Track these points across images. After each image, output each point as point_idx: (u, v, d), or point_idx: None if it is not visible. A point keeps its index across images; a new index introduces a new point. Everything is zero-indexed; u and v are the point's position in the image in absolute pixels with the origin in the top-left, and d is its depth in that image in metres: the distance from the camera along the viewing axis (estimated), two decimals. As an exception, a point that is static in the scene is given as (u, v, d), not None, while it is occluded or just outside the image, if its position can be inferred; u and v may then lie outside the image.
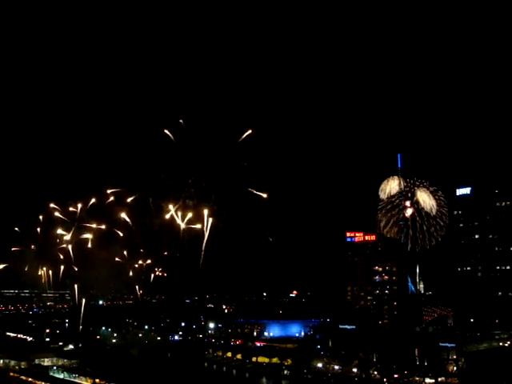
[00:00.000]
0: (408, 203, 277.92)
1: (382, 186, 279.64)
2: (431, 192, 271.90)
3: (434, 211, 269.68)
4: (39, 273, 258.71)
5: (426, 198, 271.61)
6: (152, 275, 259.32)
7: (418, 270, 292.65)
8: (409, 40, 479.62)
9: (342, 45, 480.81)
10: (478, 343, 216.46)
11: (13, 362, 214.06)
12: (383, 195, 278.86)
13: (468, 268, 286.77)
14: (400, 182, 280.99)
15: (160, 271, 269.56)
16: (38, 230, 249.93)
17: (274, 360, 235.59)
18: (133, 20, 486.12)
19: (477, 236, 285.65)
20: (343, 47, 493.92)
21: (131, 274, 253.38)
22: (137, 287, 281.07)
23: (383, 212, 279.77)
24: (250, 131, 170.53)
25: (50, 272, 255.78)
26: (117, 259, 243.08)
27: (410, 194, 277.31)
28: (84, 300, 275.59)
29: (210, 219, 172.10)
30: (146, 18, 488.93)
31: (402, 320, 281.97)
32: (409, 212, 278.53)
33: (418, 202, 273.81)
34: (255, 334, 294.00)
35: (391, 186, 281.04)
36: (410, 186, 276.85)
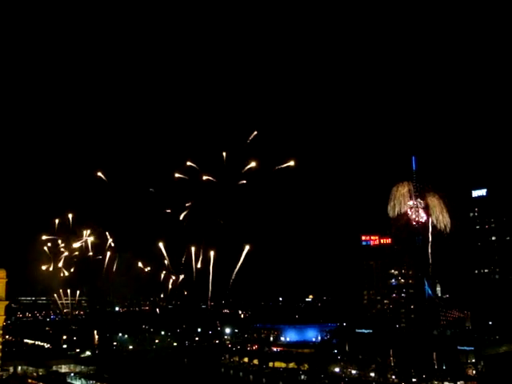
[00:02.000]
0: (421, 214, 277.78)
1: (392, 198, 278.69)
2: (446, 205, 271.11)
3: (448, 229, 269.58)
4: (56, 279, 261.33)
5: (439, 216, 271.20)
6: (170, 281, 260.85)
7: (432, 272, 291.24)
8: (424, 42, 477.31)
9: (355, 47, 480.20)
10: (497, 346, 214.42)
11: (31, 369, 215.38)
12: (392, 212, 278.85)
13: (485, 270, 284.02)
14: (410, 189, 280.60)
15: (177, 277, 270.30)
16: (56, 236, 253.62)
17: (291, 365, 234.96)
18: (133, 22, 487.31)
19: (493, 238, 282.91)
20: (356, 49, 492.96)
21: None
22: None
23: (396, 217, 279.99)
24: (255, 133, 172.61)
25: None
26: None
27: (422, 206, 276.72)
28: (100, 307, 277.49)
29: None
30: (146, 21, 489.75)
31: (419, 323, 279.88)
32: (423, 218, 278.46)
33: (431, 215, 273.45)
34: (272, 338, 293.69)
35: (402, 193, 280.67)
36: (424, 197, 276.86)
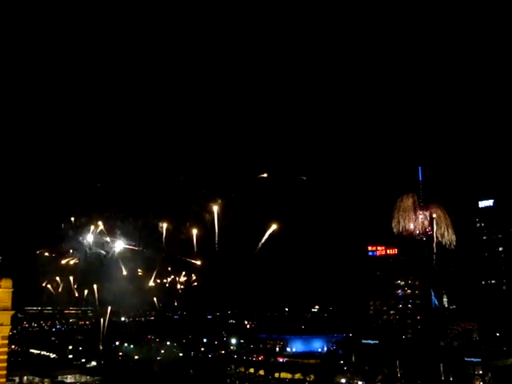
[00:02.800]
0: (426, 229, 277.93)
1: (395, 213, 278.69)
2: (451, 221, 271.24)
3: (453, 246, 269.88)
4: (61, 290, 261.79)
5: (444, 232, 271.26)
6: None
7: (439, 283, 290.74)
8: (430, 52, 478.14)
9: (359, 56, 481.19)
10: (505, 358, 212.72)
11: (36, 379, 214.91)
12: (396, 228, 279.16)
13: (492, 281, 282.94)
14: (415, 201, 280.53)
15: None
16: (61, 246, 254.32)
17: (297, 376, 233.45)
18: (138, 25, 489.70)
19: (501, 248, 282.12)
20: (360, 58, 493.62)
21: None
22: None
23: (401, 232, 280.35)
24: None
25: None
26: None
27: (427, 219, 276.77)
28: (106, 316, 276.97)
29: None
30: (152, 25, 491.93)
31: (426, 334, 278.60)
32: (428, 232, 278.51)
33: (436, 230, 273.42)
34: (277, 349, 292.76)
35: (406, 206, 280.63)
36: (429, 211, 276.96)
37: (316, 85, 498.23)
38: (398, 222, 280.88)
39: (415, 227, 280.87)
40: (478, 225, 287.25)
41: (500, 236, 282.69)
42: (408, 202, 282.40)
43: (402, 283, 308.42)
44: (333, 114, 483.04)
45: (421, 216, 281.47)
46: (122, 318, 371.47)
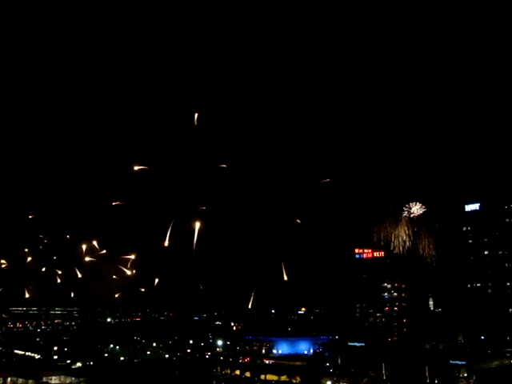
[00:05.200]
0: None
1: (377, 228, 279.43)
2: (432, 236, 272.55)
3: (434, 262, 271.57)
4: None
5: (426, 248, 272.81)
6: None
7: (425, 286, 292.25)
8: (414, 58, 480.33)
9: (344, 59, 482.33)
10: (489, 361, 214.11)
11: (20, 380, 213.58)
12: (378, 243, 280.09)
13: (478, 284, 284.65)
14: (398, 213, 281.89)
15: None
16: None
17: (283, 378, 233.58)
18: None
19: (486, 252, 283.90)
20: (343, 63, 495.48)
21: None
22: None
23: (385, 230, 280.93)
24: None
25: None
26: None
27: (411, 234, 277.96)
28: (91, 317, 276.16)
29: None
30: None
31: (411, 337, 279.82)
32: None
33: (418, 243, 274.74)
34: (264, 351, 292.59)
35: (388, 218, 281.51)
36: (414, 230, 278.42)
37: (303, 87, 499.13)
38: (380, 235, 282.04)
39: (396, 245, 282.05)
40: (464, 228, 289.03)
41: (486, 240, 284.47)
42: (390, 215, 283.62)
43: (389, 286, 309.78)
44: (318, 118, 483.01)
45: (402, 232, 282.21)
46: (108, 319, 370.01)
